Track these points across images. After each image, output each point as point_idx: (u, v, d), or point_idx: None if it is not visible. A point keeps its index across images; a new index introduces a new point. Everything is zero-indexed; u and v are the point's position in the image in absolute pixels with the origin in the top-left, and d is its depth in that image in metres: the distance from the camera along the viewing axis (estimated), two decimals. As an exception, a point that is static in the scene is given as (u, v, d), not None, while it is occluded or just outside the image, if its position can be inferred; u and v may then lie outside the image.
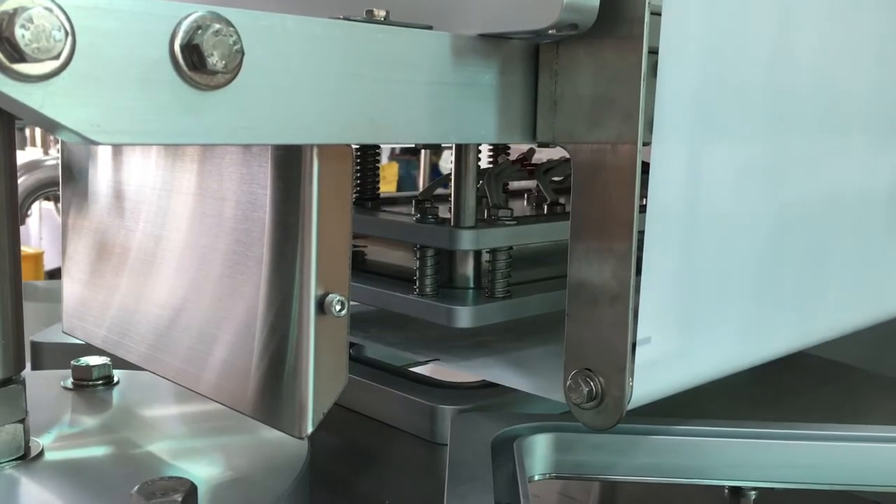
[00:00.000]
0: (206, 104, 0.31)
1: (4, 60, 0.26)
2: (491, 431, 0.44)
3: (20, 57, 0.26)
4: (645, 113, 0.40)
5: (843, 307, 0.57)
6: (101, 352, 0.53)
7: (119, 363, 0.52)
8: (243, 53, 0.31)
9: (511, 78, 0.42)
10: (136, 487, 0.37)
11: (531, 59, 0.43)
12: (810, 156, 0.52)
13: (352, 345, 0.64)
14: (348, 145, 0.39)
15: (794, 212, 0.51)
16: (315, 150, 0.38)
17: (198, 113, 0.31)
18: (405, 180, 3.99)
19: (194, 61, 0.30)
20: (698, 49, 0.43)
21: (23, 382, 0.45)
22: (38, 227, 3.02)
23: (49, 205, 2.91)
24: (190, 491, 0.37)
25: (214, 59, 0.30)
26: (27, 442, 0.45)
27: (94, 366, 0.55)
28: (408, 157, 4.15)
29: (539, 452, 0.45)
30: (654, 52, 0.40)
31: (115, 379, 0.55)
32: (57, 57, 0.27)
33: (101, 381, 0.55)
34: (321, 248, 0.39)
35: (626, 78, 0.40)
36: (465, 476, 0.40)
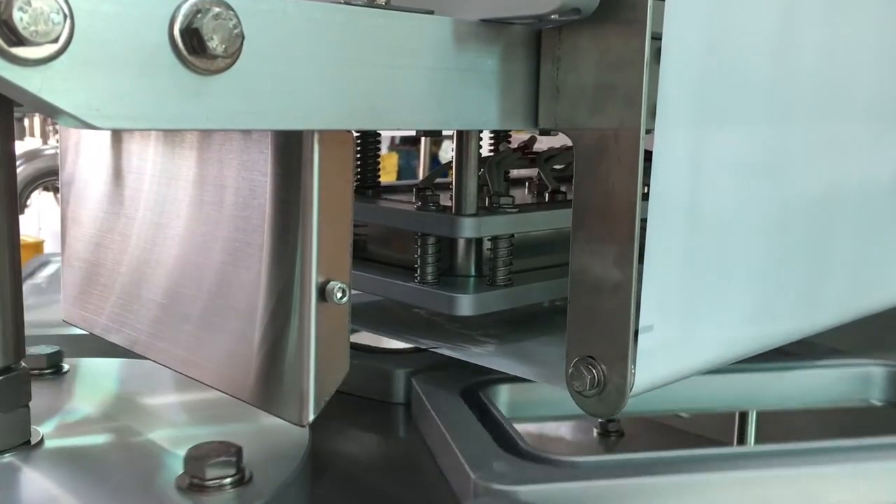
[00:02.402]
0: (206, 89, 0.31)
1: (2, 44, 0.26)
2: (455, 386, 0.53)
3: (18, 40, 0.26)
4: (648, 99, 0.39)
5: (846, 295, 0.57)
6: (101, 340, 0.53)
7: (120, 352, 0.51)
8: (243, 37, 0.31)
9: (513, 64, 0.42)
10: (185, 452, 0.40)
11: (533, 44, 0.43)
12: (814, 143, 0.52)
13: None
14: (349, 131, 0.39)
15: (798, 199, 0.51)
16: (316, 137, 0.38)
17: (198, 98, 0.31)
18: (405, 171, 3.98)
19: (194, 45, 0.30)
20: (702, 34, 0.42)
21: (24, 370, 0.45)
22: (38, 218, 3.01)
23: (48, 195, 2.90)
24: (238, 450, 0.40)
25: (214, 44, 0.30)
26: (23, 432, 0.45)
27: (44, 354, 0.55)
28: (408, 147, 4.15)
29: (503, 399, 0.55)
30: (657, 37, 0.39)
31: (65, 368, 0.56)
32: (55, 40, 0.27)
33: (49, 371, 0.55)
34: (322, 235, 0.39)
35: (629, 64, 0.39)
36: (458, 426, 0.47)
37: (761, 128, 0.48)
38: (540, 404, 0.57)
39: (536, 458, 0.44)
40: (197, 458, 0.39)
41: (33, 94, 0.27)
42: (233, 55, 0.31)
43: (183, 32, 0.29)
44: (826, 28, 0.50)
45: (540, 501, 0.41)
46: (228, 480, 0.39)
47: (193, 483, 0.39)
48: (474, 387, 0.55)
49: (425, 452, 0.51)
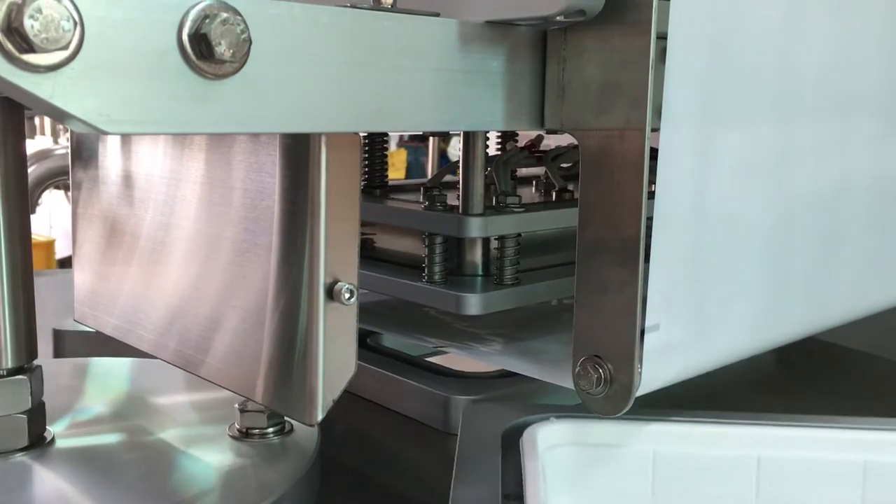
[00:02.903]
0: (214, 93, 0.31)
1: (14, 51, 0.26)
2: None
3: (29, 47, 0.26)
4: (653, 99, 0.39)
5: (852, 293, 0.57)
6: (113, 340, 0.54)
7: (130, 351, 0.52)
8: (251, 42, 0.31)
9: (519, 65, 0.42)
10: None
11: (539, 45, 0.43)
12: (821, 141, 0.52)
13: (369, 333, 0.64)
14: (356, 134, 0.39)
15: (804, 197, 0.51)
16: (323, 139, 0.38)
17: (206, 102, 0.31)
18: (414, 167, 3.99)
19: (202, 50, 0.30)
20: (707, 34, 0.42)
21: (35, 370, 0.45)
22: (49, 217, 3.02)
23: (59, 193, 2.92)
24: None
25: (222, 48, 0.30)
26: (34, 432, 0.45)
27: None
28: (416, 143, 4.15)
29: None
30: (662, 37, 0.40)
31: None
32: (66, 47, 0.27)
33: None
34: (330, 236, 0.39)
35: (635, 64, 0.40)
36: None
37: (767, 126, 0.48)
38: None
39: None
40: (243, 411, 0.46)
41: (44, 101, 0.27)
42: (240, 60, 0.31)
43: (191, 38, 0.30)
44: (832, 25, 0.50)
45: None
46: (272, 430, 0.46)
47: (241, 431, 0.46)
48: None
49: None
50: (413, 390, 0.56)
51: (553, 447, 0.42)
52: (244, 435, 0.47)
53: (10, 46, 0.26)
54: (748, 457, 0.43)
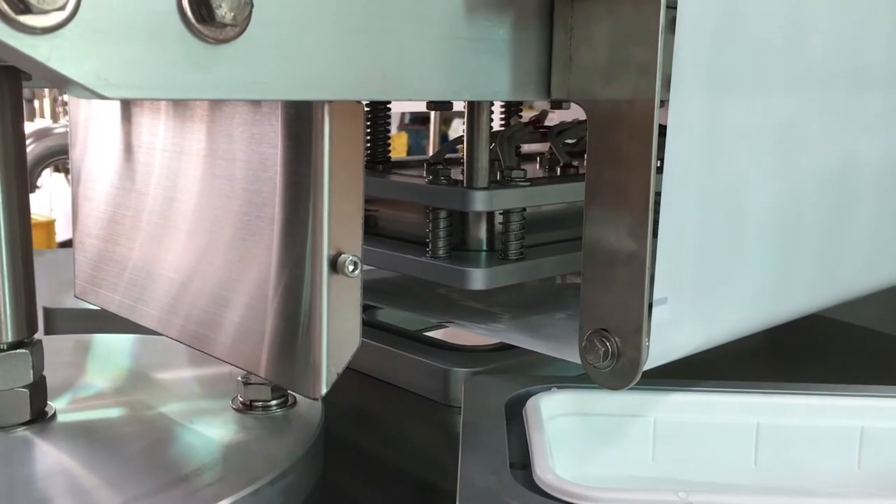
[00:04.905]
0: (214, 58, 0.30)
1: (9, 12, 0.25)
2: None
3: (25, 8, 0.26)
4: (662, 69, 0.39)
5: (861, 268, 0.56)
6: (115, 317, 0.53)
7: (134, 328, 0.52)
8: (252, 5, 0.30)
9: (525, 33, 0.41)
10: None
11: (546, 14, 0.42)
12: (831, 115, 0.51)
13: (365, 308, 0.64)
14: (359, 103, 0.39)
15: (814, 171, 0.51)
16: (326, 108, 0.37)
17: (207, 67, 0.30)
18: (415, 150, 3.97)
19: (202, 14, 0.29)
20: (717, 3, 0.42)
21: (36, 344, 0.45)
22: (49, 199, 3.02)
23: (60, 176, 2.91)
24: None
25: (223, 11, 0.29)
26: (36, 406, 0.45)
27: None
28: (417, 126, 4.13)
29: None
30: (672, 6, 0.39)
31: None
32: (63, 8, 0.26)
33: None
34: (333, 207, 0.38)
35: (644, 33, 0.39)
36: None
37: (777, 99, 0.47)
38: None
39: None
40: (246, 384, 0.47)
41: (41, 64, 0.27)
42: (242, 23, 0.30)
43: (191, 0, 0.29)
44: (843, -4, 0.50)
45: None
46: (275, 403, 0.47)
47: (245, 404, 0.47)
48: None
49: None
50: (412, 364, 0.57)
51: (556, 417, 0.43)
52: (247, 408, 0.47)
53: (6, 7, 0.25)
54: (747, 424, 0.44)
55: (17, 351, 0.44)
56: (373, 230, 0.62)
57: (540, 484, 0.36)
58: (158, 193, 0.48)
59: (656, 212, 0.40)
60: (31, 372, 0.44)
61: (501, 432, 0.40)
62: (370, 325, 0.62)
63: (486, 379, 0.47)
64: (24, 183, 0.45)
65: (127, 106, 0.50)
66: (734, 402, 0.44)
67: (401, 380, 0.58)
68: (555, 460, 0.38)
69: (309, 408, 0.47)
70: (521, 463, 0.39)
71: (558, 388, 0.44)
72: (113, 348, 0.57)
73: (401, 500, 0.46)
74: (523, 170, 0.56)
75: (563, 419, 0.43)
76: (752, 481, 0.43)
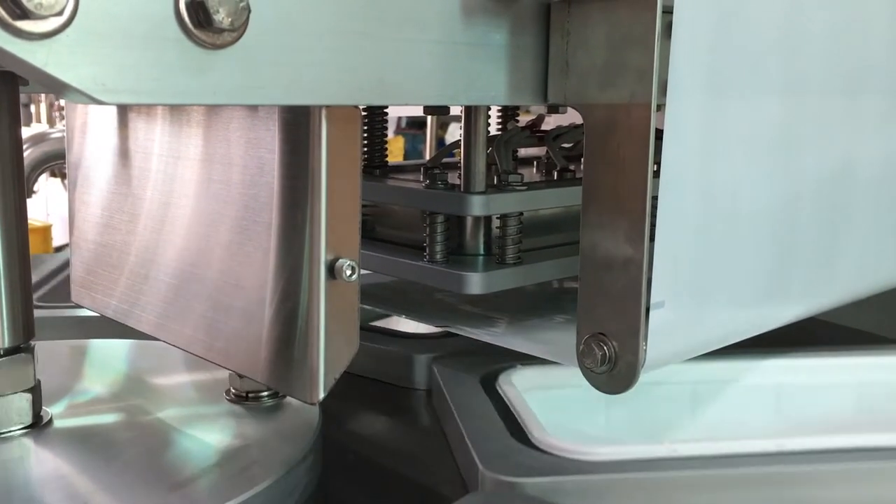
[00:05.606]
0: (212, 63, 0.30)
1: (7, 17, 0.26)
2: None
3: (23, 13, 0.26)
4: (659, 73, 0.39)
5: (858, 271, 0.56)
6: (111, 322, 0.53)
7: (131, 333, 0.51)
8: (250, 10, 0.30)
9: (522, 38, 0.42)
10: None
11: (542, 18, 0.42)
12: (827, 119, 0.51)
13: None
14: (356, 107, 0.39)
15: (811, 175, 0.51)
16: (323, 113, 0.37)
17: (204, 72, 0.30)
18: (411, 155, 3.98)
19: (200, 19, 0.29)
20: (713, 8, 0.42)
21: (32, 350, 0.45)
22: (46, 204, 3.02)
23: (56, 181, 2.91)
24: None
25: (220, 17, 0.29)
26: (37, 410, 0.45)
27: None
28: (414, 130, 4.14)
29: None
30: (668, 11, 0.39)
31: None
32: (60, 13, 0.26)
33: None
34: (330, 212, 0.38)
35: (640, 37, 0.39)
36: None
37: (774, 103, 0.47)
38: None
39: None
40: (241, 375, 0.48)
41: (38, 69, 0.27)
42: (239, 29, 0.30)
43: (189, 5, 0.29)
44: (841, 1, 0.50)
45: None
46: (266, 394, 0.48)
47: (237, 395, 0.49)
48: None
49: (442, 440, 0.51)
50: (374, 352, 0.62)
51: (527, 389, 0.51)
52: (241, 399, 0.48)
53: (3, 13, 0.25)
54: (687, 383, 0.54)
55: (21, 355, 0.44)
56: (370, 235, 0.62)
57: (541, 446, 0.43)
58: (155, 198, 0.48)
59: (653, 216, 0.40)
60: (32, 376, 0.44)
61: (488, 405, 0.48)
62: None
63: (453, 362, 0.54)
64: (21, 188, 0.45)
65: (124, 110, 0.50)
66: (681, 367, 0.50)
67: (360, 368, 0.61)
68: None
69: (306, 411, 0.47)
70: (514, 428, 0.46)
71: (521, 364, 0.53)
72: (109, 353, 0.57)
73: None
74: (520, 174, 0.56)
75: (533, 391, 0.51)
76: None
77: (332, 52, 0.34)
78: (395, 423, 0.57)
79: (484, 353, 0.56)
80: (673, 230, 0.42)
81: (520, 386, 0.50)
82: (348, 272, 0.39)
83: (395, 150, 3.89)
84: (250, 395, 0.48)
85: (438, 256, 0.55)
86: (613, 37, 0.40)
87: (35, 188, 1.81)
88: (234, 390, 0.49)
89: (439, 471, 0.47)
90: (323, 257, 0.38)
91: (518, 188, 0.55)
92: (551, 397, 0.52)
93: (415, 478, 0.48)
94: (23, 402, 0.44)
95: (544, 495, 0.40)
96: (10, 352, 0.44)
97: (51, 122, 3.10)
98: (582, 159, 0.42)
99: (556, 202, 0.58)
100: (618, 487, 0.41)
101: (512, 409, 0.48)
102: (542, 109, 0.73)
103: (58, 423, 0.45)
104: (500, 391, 0.51)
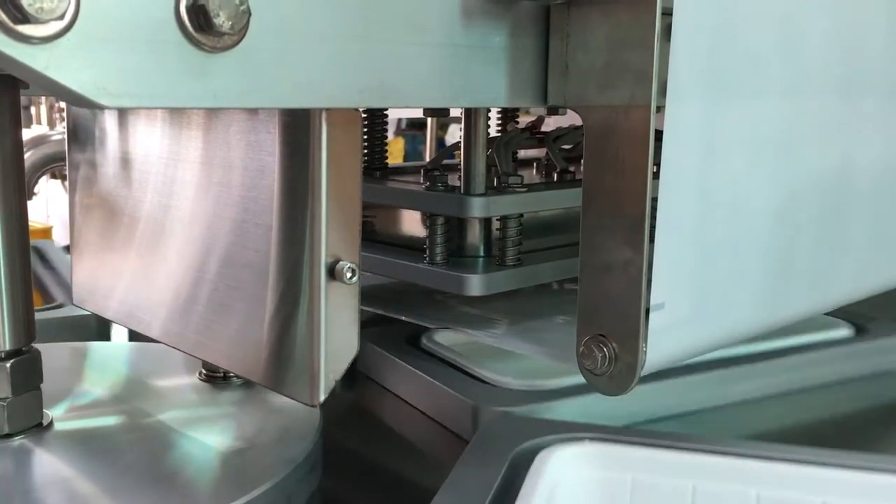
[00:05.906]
0: (212, 67, 0.30)
1: (7, 21, 0.26)
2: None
3: (23, 18, 0.26)
4: (658, 75, 0.39)
5: (859, 272, 0.57)
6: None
7: (133, 335, 0.52)
8: (250, 14, 0.31)
9: (521, 40, 0.42)
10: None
11: (542, 21, 0.42)
12: (828, 119, 0.51)
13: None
14: (357, 110, 0.39)
15: (811, 176, 0.51)
16: (323, 115, 0.37)
17: (205, 76, 0.30)
18: (412, 156, 3.97)
19: (200, 22, 0.29)
20: (713, 9, 0.42)
21: (35, 353, 0.45)
22: (46, 206, 3.02)
23: (56, 183, 2.91)
24: None
25: (221, 20, 0.29)
26: (38, 413, 0.45)
27: None
28: (413, 132, 4.14)
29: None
30: (667, 13, 0.39)
31: None
32: (61, 17, 0.26)
33: None
34: (331, 214, 0.38)
35: (640, 40, 0.39)
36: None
37: (773, 104, 0.47)
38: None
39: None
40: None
41: (39, 73, 0.27)
42: (240, 32, 0.30)
43: (189, 9, 0.29)
44: (840, 2, 0.50)
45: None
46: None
47: (207, 376, 0.51)
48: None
49: (442, 439, 0.51)
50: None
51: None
52: (210, 378, 0.51)
53: (3, 16, 0.25)
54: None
55: (25, 356, 0.44)
56: (370, 237, 0.63)
57: (499, 384, 0.51)
58: (156, 200, 0.48)
59: (653, 217, 0.40)
60: (33, 379, 0.44)
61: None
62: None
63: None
64: (22, 192, 0.45)
65: (124, 113, 0.50)
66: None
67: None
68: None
69: (307, 413, 0.47)
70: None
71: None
72: (109, 356, 0.57)
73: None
74: (520, 176, 0.57)
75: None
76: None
77: (333, 55, 0.34)
78: (395, 424, 0.57)
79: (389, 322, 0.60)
80: (673, 232, 0.42)
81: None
82: (349, 274, 0.39)
83: (395, 152, 3.89)
84: (226, 374, 0.51)
85: (439, 258, 0.55)
86: (613, 39, 0.40)
87: (35, 190, 1.81)
88: (204, 371, 0.52)
89: (439, 471, 0.47)
90: (323, 259, 0.38)
91: (518, 190, 0.56)
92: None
93: (415, 478, 0.48)
94: (25, 404, 0.44)
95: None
96: (11, 354, 0.44)
97: (51, 124, 3.11)
98: (582, 161, 0.42)
99: (556, 204, 0.59)
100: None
101: (459, 361, 0.55)
102: (541, 111, 0.73)
103: (58, 426, 0.46)
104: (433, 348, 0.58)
